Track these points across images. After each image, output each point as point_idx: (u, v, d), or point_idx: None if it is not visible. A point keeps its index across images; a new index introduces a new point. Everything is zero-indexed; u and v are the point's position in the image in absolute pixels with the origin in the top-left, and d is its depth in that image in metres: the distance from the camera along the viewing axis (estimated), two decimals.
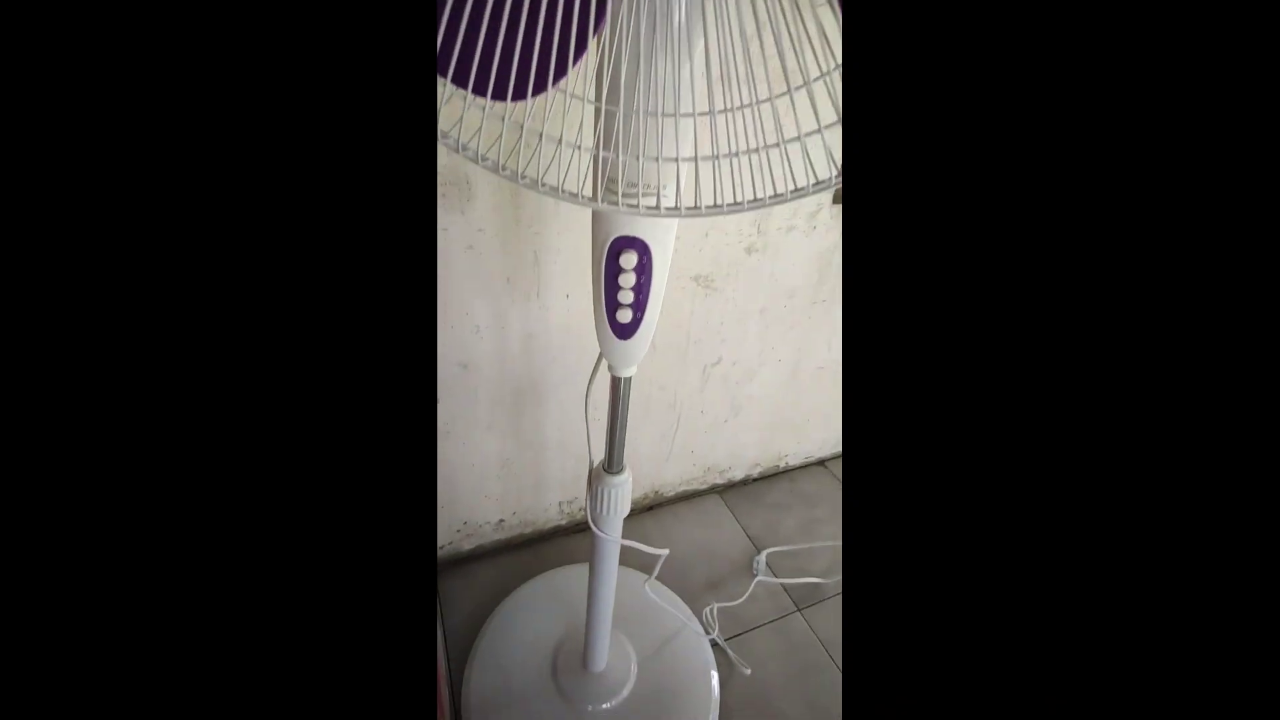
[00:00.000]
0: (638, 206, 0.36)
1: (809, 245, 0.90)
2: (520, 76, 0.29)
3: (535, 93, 0.29)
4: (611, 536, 0.64)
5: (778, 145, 0.32)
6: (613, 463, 0.59)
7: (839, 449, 1.25)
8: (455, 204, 0.66)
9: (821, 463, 1.24)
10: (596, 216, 0.42)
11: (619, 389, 0.54)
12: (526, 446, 0.91)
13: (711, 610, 0.92)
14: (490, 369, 0.80)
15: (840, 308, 0.98)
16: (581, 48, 0.29)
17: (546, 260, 0.74)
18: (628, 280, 0.44)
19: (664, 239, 0.43)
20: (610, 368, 0.52)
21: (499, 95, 0.30)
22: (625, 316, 0.46)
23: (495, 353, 0.79)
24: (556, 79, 0.29)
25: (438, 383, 0.78)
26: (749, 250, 0.87)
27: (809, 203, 0.86)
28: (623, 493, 0.60)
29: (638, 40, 0.30)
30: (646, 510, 1.09)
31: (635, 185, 0.37)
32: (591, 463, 0.62)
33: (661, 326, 0.90)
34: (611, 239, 0.42)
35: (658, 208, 0.35)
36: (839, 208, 0.90)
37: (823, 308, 0.99)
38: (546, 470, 0.95)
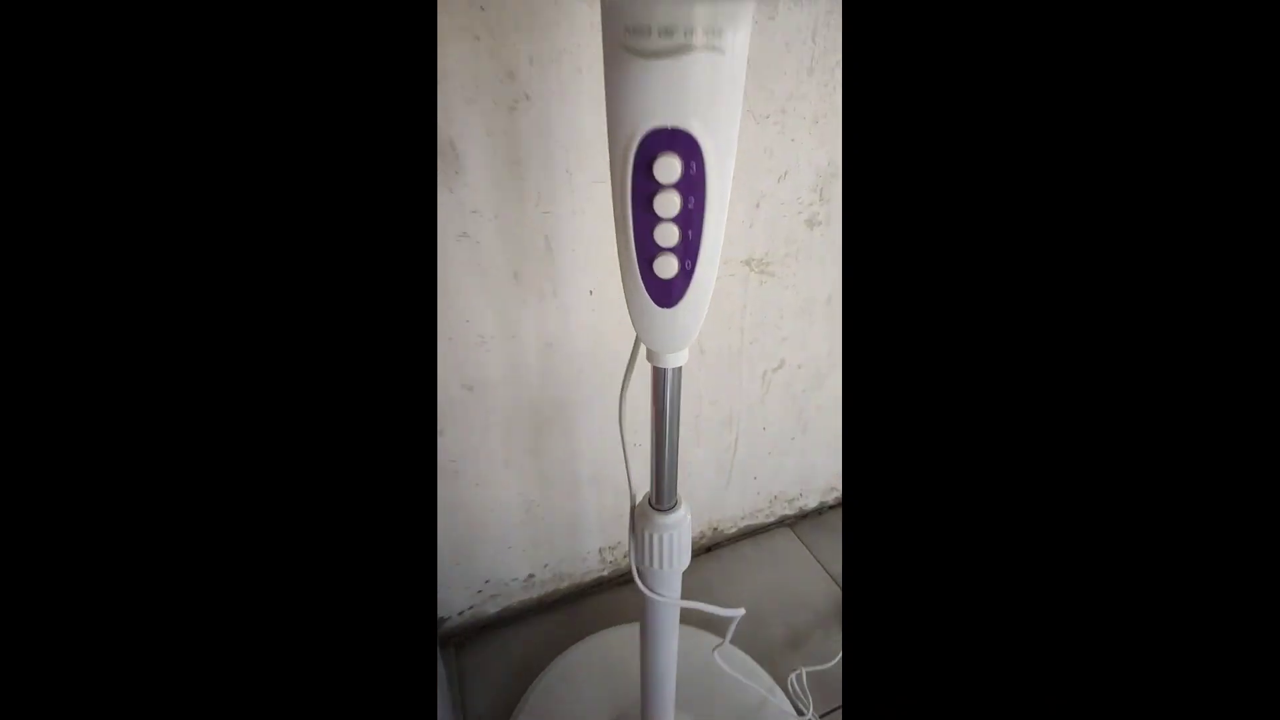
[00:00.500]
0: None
1: None
2: None
3: None
4: (667, 597, 0.47)
5: None
6: (663, 496, 0.43)
7: None
8: (441, 179, 0.53)
9: None
10: (615, 87, 0.27)
11: (665, 387, 0.38)
12: (554, 483, 0.75)
13: (799, 677, 0.72)
14: (503, 389, 0.65)
15: None
16: None
17: (562, 246, 0.60)
18: (668, 205, 0.28)
19: (724, 132, 0.27)
20: (650, 355, 0.36)
21: None
22: (668, 267, 0.30)
23: (507, 368, 0.64)
24: None
25: (439, 410, 0.63)
26: (811, 223, 0.71)
27: None
28: (679, 536, 0.43)
29: None
30: (705, 551, 0.91)
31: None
32: (633, 499, 0.45)
33: (710, 323, 0.74)
34: (642, 134, 0.26)
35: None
36: None
37: None
38: (581, 510, 0.79)
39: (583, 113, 0.54)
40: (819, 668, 0.74)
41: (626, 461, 0.45)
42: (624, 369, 0.41)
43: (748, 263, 0.70)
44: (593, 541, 0.83)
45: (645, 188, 0.28)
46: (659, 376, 0.37)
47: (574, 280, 0.62)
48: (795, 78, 0.61)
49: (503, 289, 0.60)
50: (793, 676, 0.73)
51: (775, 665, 0.74)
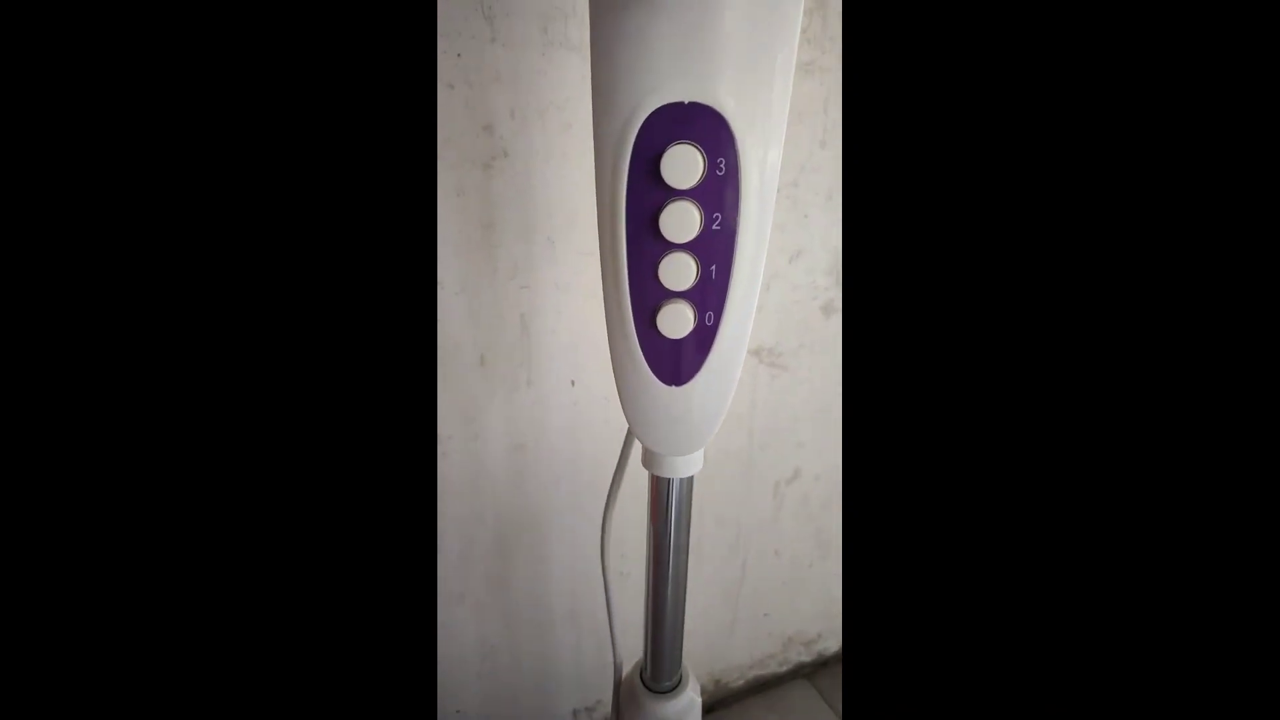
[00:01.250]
0: None
1: None
2: None
3: None
4: None
5: None
6: (662, 669, 0.29)
7: None
8: None
9: None
10: (606, 42, 0.17)
11: (669, 504, 0.26)
12: (521, 624, 0.60)
13: None
14: (460, 502, 0.52)
15: None
16: None
17: (541, 327, 0.50)
18: (682, 223, 0.18)
19: (769, 110, 0.18)
20: (646, 459, 0.25)
21: None
22: (678, 322, 0.20)
23: (468, 476, 0.52)
24: None
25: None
26: (827, 311, 0.62)
27: None
28: None
29: None
30: (706, 712, 0.73)
31: None
32: (618, 670, 0.32)
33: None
34: (645, 113, 0.17)
35: None
36: None
37: None
38: (553, 657, 0.63)
39: (569, 172, 0.47)
40: None
41: (610, 614, 0.32)
42: (603, 472, 0.29)
43: (757, 353, 0.61)
44: (565, 701, 0.65)
45: (647, 198, 0.18)
46: (660, 490, 0.26)
47: (553, 368, 0.52)
48: (808, 149, 0.55)
49: (467, 377, 0.49)
50: None
51: None
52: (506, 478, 0.54)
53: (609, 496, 0.30)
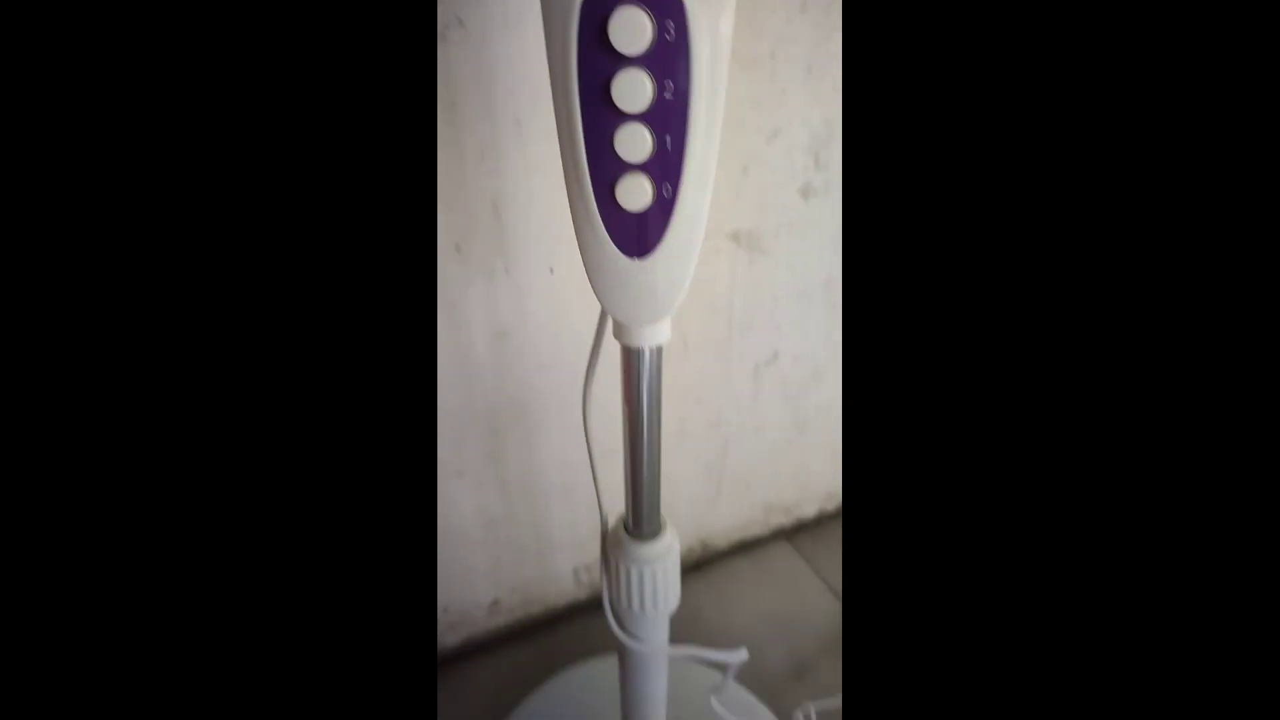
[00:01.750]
0: None
1: None
2: None
3: None
4: (650, 643, 0.37)
5: None
6: (641, 519, 0.33)
7: None
8: None
9: None
10: None
11: (639, 374, 0.28)
12: (518, 495, 0.65)
13: (807, 714, 0.63)
14: (449, 389, 0.55)
15: None
16: None
17: (512, 213, 0.50)
18: (635, 92, 0.19)
19: None
20: (617, 331, 0.26)
21: None
22: (637, 194, 0.21)
23: (454, 363, 0.54)
24: None
25: None
26: (805, 193, 0.62)
27: None
28: (664, 571, 0.33)
29: None
30: (694, 569, 0.81)
31: None
32: (604, 522, 0.36)
33: (693, 309, 0.65)
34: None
35: None
36: None
37: None
38: (551, 524, 0.69)
39: (533, 47, 0.44)
40: (827, 702, 0.65)
41: (594, 473, 0.35)
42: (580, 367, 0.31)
43: (735, 237, 0.61)
44: (565, 560, 0.72)
45: (598, 66, 0.18)
46: (631, 361, 0.28)
47: (530, 255, 0.52)
48: (786, 14, 0.52)
49: (446, 266, 0.50)
50: (798, 713, 0.63)
51: (779, 700, 0.65)
52: (492, 364, 0.56)
53: (588, 369, 0.32)
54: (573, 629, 0.74)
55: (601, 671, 0.67)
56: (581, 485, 0.67)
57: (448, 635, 0.70)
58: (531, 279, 0.53)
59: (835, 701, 0.64)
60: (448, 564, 0.65)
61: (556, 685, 0.66)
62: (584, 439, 0.36)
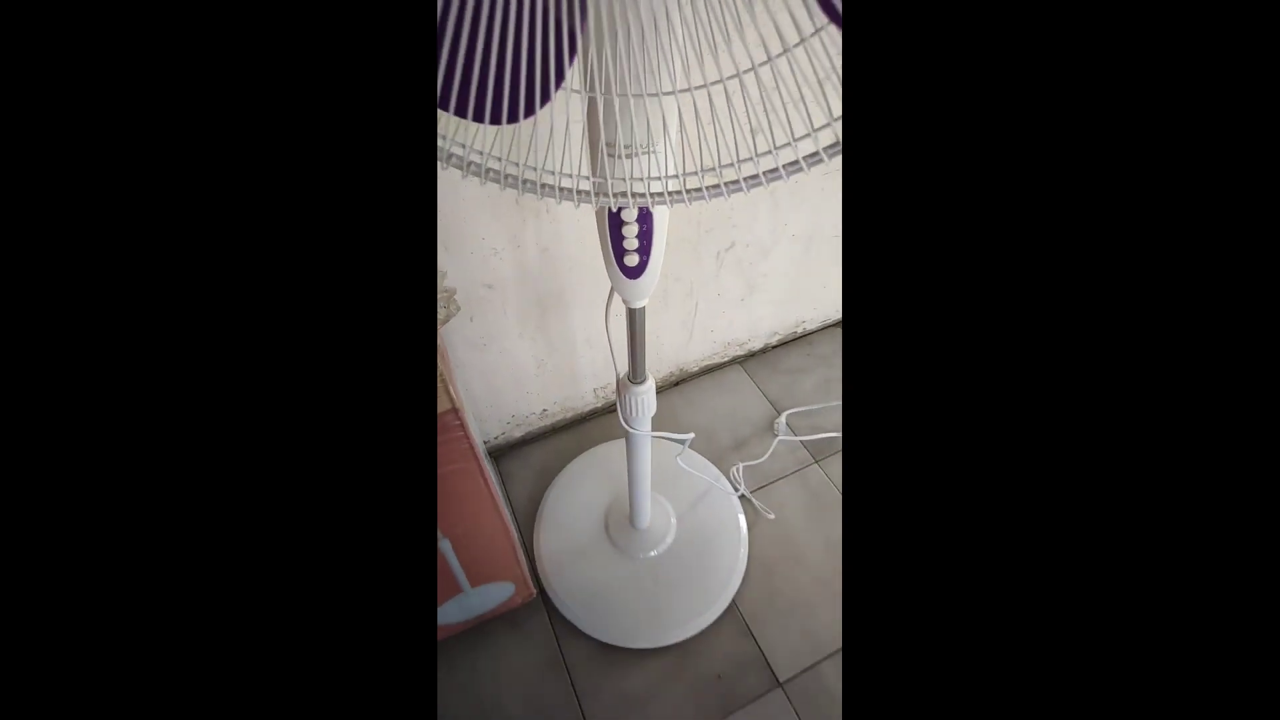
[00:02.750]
0: (628, 197, 0.38)
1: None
2: (512, 104, 0.31)
3: (527, 116, 0.32)
4: (642, 431, 0.73)
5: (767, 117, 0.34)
6: (636, 374, 0.67)
7: None
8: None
9: (839, 324, 1.29)
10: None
11: (635, 318, 0.59)
12: (557, 347, 0.98)
13: (738, 469, 1.04)
14: (513, 286, 0.85)
15: None
16: (561, 75, 0.30)
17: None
18: (631, 234, 0.47)
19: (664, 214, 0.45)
20: (624, 301, 0.57)
21: (495, 120, 0.32)
22: (632, 261, 0.50)
23: (516, 270, 0.83)
24: (543, 103, 0.31)
25: (469, 305, 0.84)
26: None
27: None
28: (647, 398, 0.68)
29: (616, 38, 0.30)
30: (673, 386, 1.19)
31: (622, 149, 0.39)
32: (618, 374, 0.69)
33: (672, 221, 0.92)
34: (612, 207, 0.45)
35: (646, 194, 0.37)
36: None
37: (836, 178, 0.98)
38: (578, 364, 1.04)
39: None
40: (753, 462, 1.06)
41: (614, 357, 0.68)
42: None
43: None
44: (588, 384, 1.09)
45: (617, 223, 0.47)
46: (631, 314, 0.59)
47: (564, 205, 0.78)
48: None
49: (507, 211, 0.77)
50: (733, 469, 1.05)
51: (723, 461, 1.06)
52: (540, 269, 0.85)
53: (606, 309, 0.63)
54: (592, 426, 1.14)
55: (610, 451, 1.07)
56: (598, 339, 1.00)
57: (514, 431, 1.09)
58: (564, 215, 0.80)
59: (756, 461, 1.05)
60: (514, 390, 1.01)
61: (583, 459, 1.07)
62: (605, 323, 0.67)
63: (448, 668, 0.87)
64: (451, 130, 0.36)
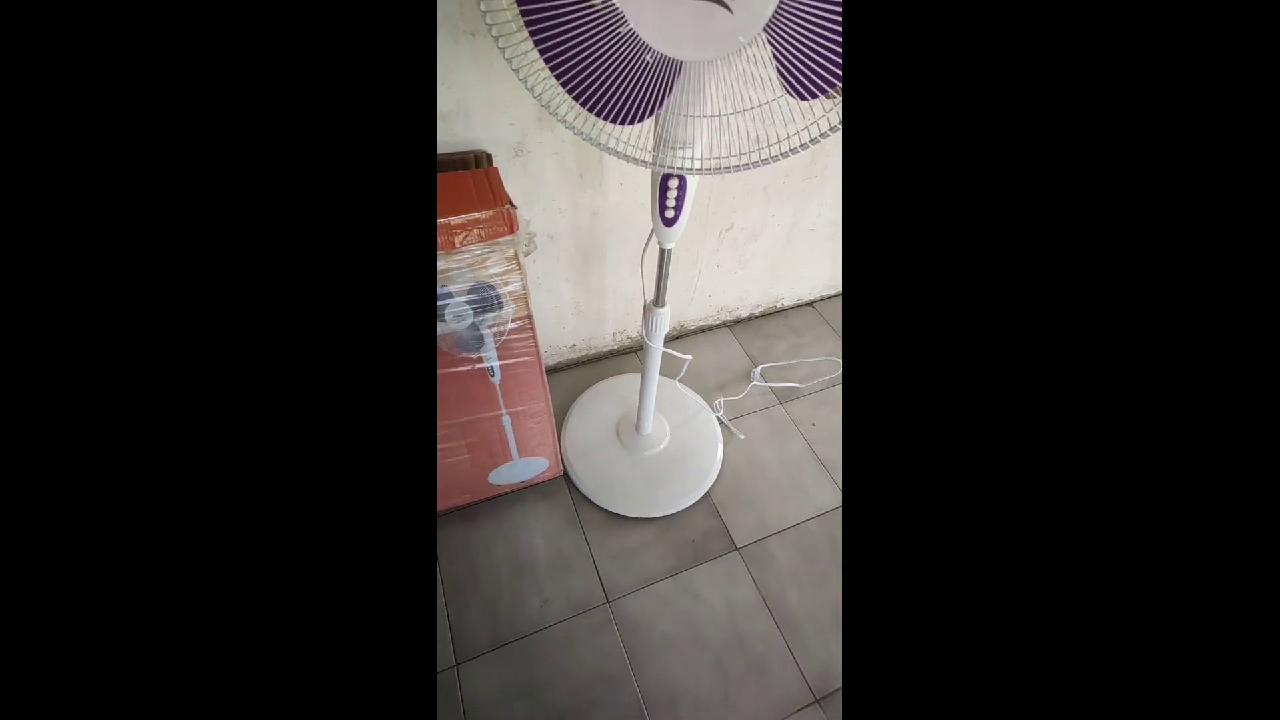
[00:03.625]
0: (673, 167, 0.69)
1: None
2: (632, 118, 0.61)
3: (636, 123, 0.62)
4: (655, 345, 1.03)
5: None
6: (659, 299, 0.97)
7: (824, 293, 1.60)
8: (546, 125, 0.97)
9: (810, 304, 1.61)
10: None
11: (664, 256, 0.90)
12: (592, 293, 1.28)
13: (719, 402, 1.35)
14: (568, 238, 1.15)
15: (827, 183, 1.28)
16: (655, 109, 0.61)
17: (608, 160, 1.06)
18: (671, 194, 0.77)
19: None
20: (659, 243, 0.87)
21: (622, 122, 0.62)
22: (670, 214, 0.80)
23: (571, 226, 1.13)
24: (645, 119, 0.62)
25: (540, 248, 1.14)
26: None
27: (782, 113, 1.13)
28: (664, 319, 0.98)
29: (681, 92, 0.61)
30: (675, 339, 1.49)
31: (675, 144, 0.69)
32: (645, 299, 0.99)
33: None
34: (662, 174, 0.75)
35: (684, 166, 0.68)
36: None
37: (814, 182, 1.29)
38: (605, 310, 1.34)
39: None
40: (732, 398, 1.37)
41: (643, 283, 0.98)
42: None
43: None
44: (610, 328, 1.39)
45: (664, 187, 0.77)
46: (662, 252, 0.89)
47: (611, 179, 1.09)
48: None
49: (573, 183, 1.07)
50: (716, 401, 1.35)
51: (709, 396, 1.37)
52: (589, 228, 1.15)
53: (644, 250, 0.92)
54: (611, 362, 1.44)
55: (623, 380, 1.37)
56: (619, 290, 1.30)
57: (549, 359, 1.39)
58: (611, 189, 1.10)
59: (735, 398, 1.36)
60: (553, 325, 1.31)
61: (602, 384, 1.36)
62: (639, 270, 0.97)
63: (495, 519, 1.16)
64: (597, 128, 0.66)
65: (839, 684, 1.02)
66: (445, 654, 1.00)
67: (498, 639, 1.02)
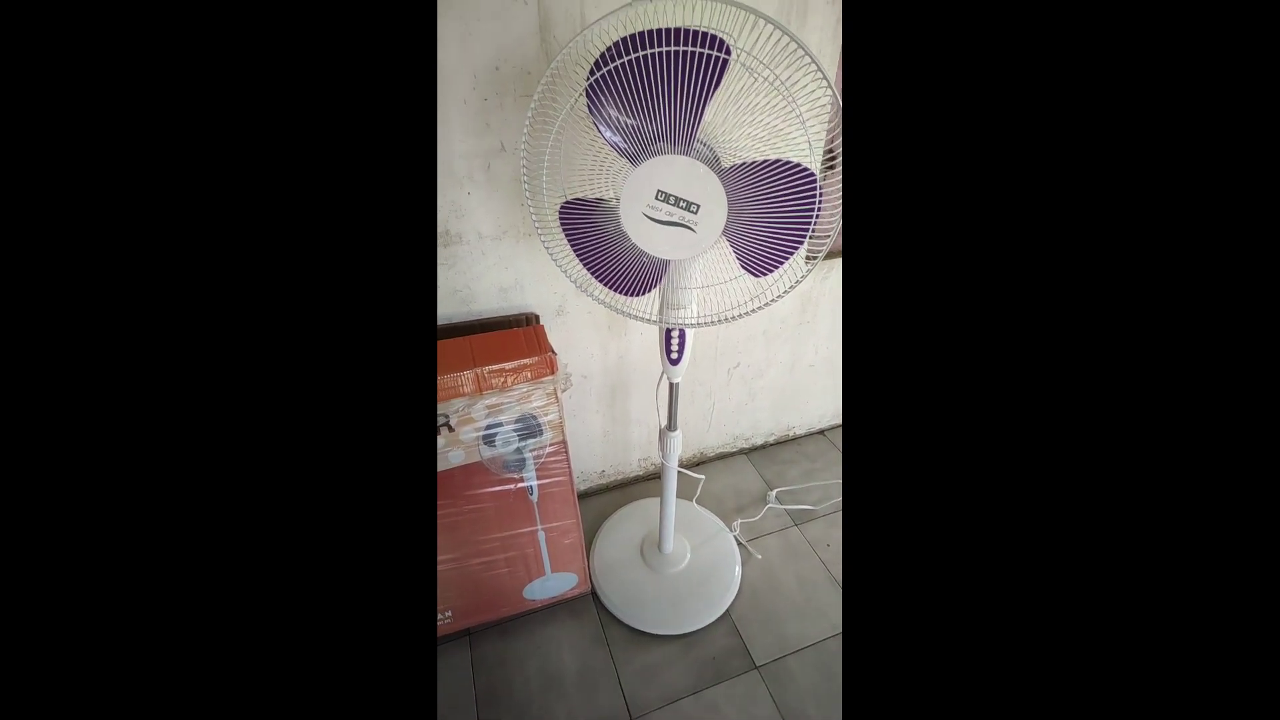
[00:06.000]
0: (673, 321, 0.90)
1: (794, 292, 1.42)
2: (636, 291, 0.84)
3: (641, 294, 0.85)
4: (671, 465, 1.19)
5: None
6: (671, 424, 1.15)
7: (833, 421, 1.75)
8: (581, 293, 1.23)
9: (821, 432, 1.75)
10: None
11: (673, 389, 1.09)
12: (618, 423, 1.47)
13: (737, 523, 1.46)
14: (599, 377, 1.37)
15: (820, 326, 1.49)
16: (653, 287, 0.84)
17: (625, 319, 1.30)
18: (674, 341, 0.98)
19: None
20: (669, 378, 1.07)
21: (631, 294, 0.85)
22: (674, 355, 1.01)
23: (602, 367, 1.35)
24: (647, 292, 0.85)
25: (577, 384, 1.35)
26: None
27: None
28: (677, 442, 1.15)
29: (672, 276, 0.84)
30: (695, 465, 1.64)
31: (673, 307, 0.92)
32: (660, 425, 1.17)
33: (698, 346, 1.46)
34: (666, 327, 0.97)
35: (682, 321, 0.89)
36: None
37: (807, 326, 1.51)
38: (630, 438, 1.52)
39: None
40: (749, 520, 1.47)
41: (658, 411, 1.17)
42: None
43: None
44: (636, 455, 1.56)
45: (668, 336, 0.98)
46: (671, 386, 1.09)
47: (634, 328, 1.32)
48: None
49: (604, 333, 1.30)
50: (734, 523, 1.46)
51: (728, 518, 1.48)
52: (616, 367, 1.37)
53: (658, 386, 1.12)
54: (636, 487, 1.58)
55: (648, 504, 1.50)
56: (644, 420, 1.49)
57: (581, 485, 1.54)
58: (634, 337, 1.33)
59: (753, 519, 1.47)
60: (585, 451, 1.48)
61: (628, 508, 1.50)
62: (654, 402, 1.16)
63: (528, 635, 1.25)
64: (617, 300, 0.89)
65: None
66: None
67: None
